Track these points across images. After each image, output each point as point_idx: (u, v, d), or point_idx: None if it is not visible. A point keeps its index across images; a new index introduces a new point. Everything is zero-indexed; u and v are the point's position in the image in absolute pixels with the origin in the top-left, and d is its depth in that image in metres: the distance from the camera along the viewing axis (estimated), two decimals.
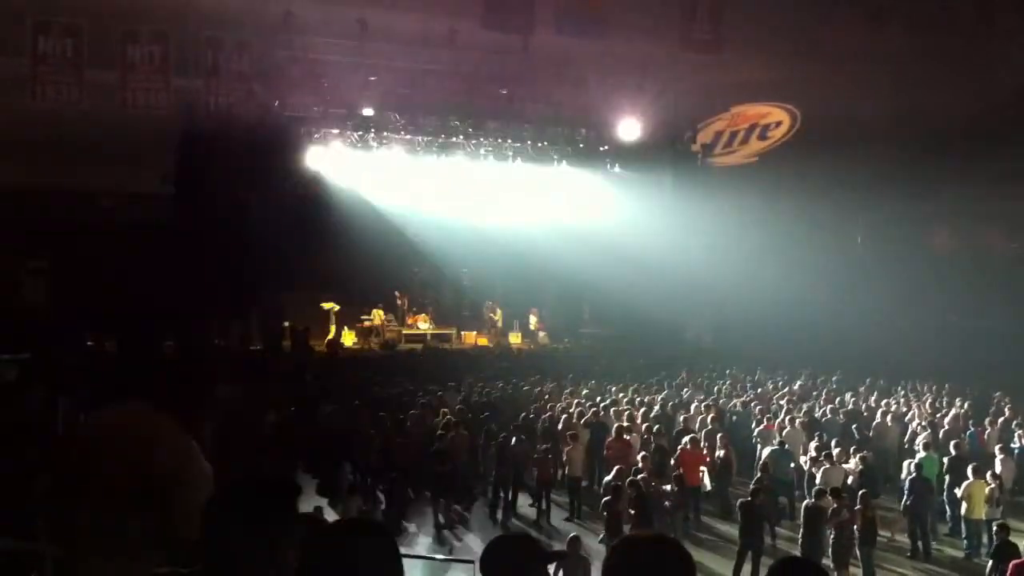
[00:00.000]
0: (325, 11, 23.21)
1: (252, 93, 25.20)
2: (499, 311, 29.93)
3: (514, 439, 16.44)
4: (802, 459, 16.04)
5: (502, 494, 16.21)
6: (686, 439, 16.21)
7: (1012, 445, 16.52)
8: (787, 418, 17.98)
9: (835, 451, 15.49)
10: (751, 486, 13.89)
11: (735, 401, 20.60)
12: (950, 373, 24.32)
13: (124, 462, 3.29)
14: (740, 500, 13.71)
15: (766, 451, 16.16)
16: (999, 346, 25.73)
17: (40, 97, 23.21)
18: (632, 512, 13.30)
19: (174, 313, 23.83)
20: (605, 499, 13.80)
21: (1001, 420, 18.27)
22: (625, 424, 17.16)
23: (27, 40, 22.92)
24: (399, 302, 29.19)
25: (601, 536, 13.97)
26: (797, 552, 12.29)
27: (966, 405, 20.00)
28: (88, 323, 24.44)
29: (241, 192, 25.13)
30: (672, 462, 15.58)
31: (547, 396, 20.94)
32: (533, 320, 30.62)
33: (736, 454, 17.05)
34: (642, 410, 19.12)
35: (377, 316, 28.36)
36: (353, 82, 25.61)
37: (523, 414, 18.61)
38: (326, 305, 27.64)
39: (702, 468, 15.81)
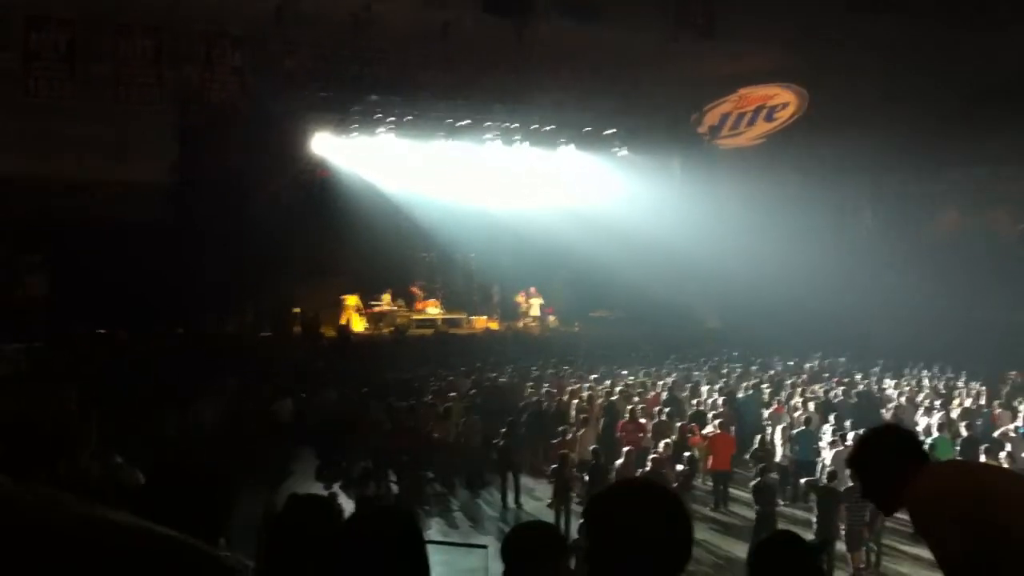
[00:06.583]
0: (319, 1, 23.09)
1: (246, 85, 25.11)
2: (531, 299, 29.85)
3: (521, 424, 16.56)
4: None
5: (511, 478, 16.18)
6: (714, 424, 16.26)
7: (1017, 424, 16.29)
8: (800, 400, 17.88)
9: (850, 433, 15.37)
10: (758, 466, 13.89)
11: (744, 383, 20.48)
12: (957, 354, 24.11)
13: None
14: (753, 483, 13.63)
15: (781, 432, 16.11)
16: (1005, 327, 25.56)
17: (33, 92, 23.11)
18: (587, 479, 13.63)
19: (174, 304, 23.70)
20: (552, 467, 14.36)
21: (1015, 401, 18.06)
22: (640, 407, 17.15)
23: (19, 35, 22.82)
24: (413, 289, 29.14)
25: (550, 500, 14.27)
26: (811, 535, 12.19)
27: (980, 386, 19.82)
28: (94, 314, 24.30)
29: (246, 180, 25.00)
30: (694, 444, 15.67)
31: (556, 381, 20.83)
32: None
33: (746, 437, 17.03)
34: (651, 393, 19.08)
35: (386, 301, 28.31)
36: (353, 70, 25.52)
37: (533, 399, 18.59)
38: (348, 300, 27.55)
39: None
